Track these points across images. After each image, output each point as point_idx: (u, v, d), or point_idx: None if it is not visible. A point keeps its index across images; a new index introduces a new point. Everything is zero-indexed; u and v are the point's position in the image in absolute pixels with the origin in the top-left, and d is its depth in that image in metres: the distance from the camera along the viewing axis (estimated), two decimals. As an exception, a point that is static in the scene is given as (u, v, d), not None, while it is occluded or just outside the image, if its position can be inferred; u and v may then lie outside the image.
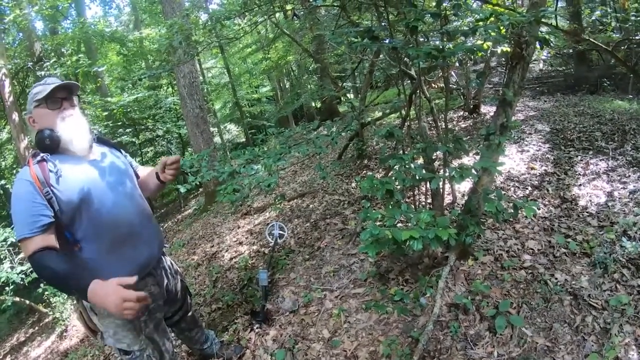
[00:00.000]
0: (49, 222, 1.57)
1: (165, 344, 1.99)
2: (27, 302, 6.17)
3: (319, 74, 11.50)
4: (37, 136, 1.68)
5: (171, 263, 2.22)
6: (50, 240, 1.59)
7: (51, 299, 5.82)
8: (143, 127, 10.99)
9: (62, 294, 5.57)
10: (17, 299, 5.88)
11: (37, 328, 6.62)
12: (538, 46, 2.84)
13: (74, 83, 1.76)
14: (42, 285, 5.49)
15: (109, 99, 9.87)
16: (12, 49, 9.49)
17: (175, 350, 2.13)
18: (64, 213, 1.62)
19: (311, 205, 4.95)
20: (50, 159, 1.65)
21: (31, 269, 5.42)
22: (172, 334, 2.42)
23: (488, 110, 6.37)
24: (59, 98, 1.70)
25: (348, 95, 12.45)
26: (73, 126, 1.70)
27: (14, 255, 5.72)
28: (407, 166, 2.56)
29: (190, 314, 2.41)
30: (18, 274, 5.35)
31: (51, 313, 5.87)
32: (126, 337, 1.85)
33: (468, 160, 4.52)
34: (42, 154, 1.65)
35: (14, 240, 5.56)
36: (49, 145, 1.67)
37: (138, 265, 1.84)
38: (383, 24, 3.00)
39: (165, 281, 2.11)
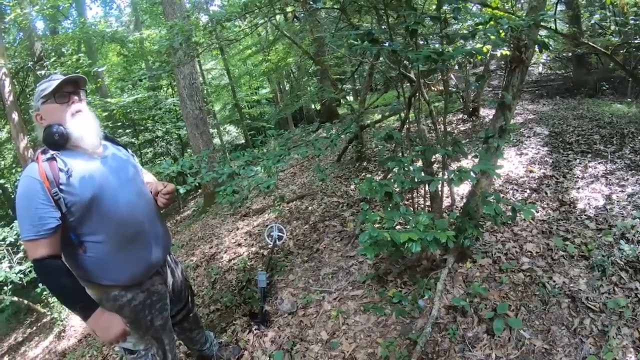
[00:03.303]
0: (56, 225, 1.55)
1: (170, 343, 1.99)
2: (26, 302, 6.16)
3: (318, 76, 11.52)
4: (45, 131, 1.64)
5: (170, 258, 2.20)
6: (56, 245, 1.59)
7: (49, 299, 5.83)
8: (143, 127, 11.02)
9: None
10: (16, 298, 5.86)
11: (35, 328, 6.61)
12: (537, 49, 2.85)
13: (81, 76, 1.73)
14: (40, 285, 5.48)
15: (108, 99, 9.87)
16: (13, 48, 9.46)
17: (176, 350, 2.12)
18: (72, 214, 1.60)
19: (310, 207, 4.95)
20: (61, 157, 1.61)
21: (29, 268, 5.45)
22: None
23: (487, 113, 6.39)
24: (66, 92, 1.68)
25: (348, 97, 12.47)
26: (83, 122, 1.68)
27: (13, 255, 5.72)
28: (406, 169, 2.57)
29: (193, 313, 2.39)
30: (16, 274, 5.35)
31: (49, 313, 5.87)
32: (131, 337, 1.83)
33: (467, 163, 4.53)
34: (51, 152, 1.61)
35: (12, 240, 5.57)
36: (58, 140, 1.63)
37: (147, 264, 1.83)
38: (383, 27, 3.02)
39: (171, 279, 2.10)
